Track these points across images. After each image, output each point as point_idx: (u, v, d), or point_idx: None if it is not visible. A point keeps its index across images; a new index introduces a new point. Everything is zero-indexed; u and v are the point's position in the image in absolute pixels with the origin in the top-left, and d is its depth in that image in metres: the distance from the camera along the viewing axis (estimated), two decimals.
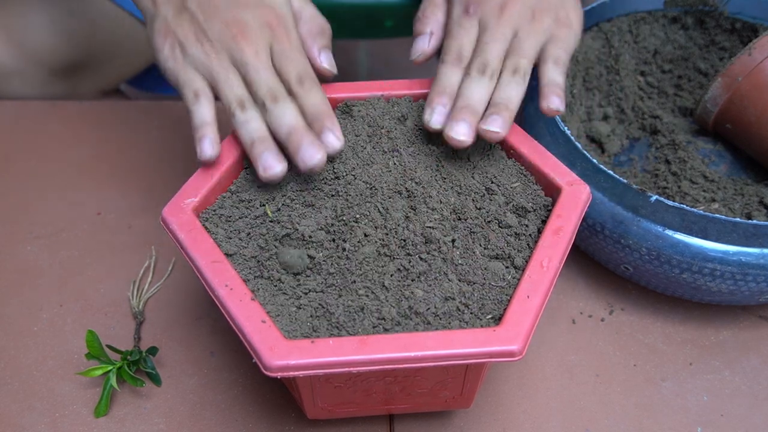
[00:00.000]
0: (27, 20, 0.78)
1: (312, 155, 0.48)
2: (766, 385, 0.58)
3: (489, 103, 0.52)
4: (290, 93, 0.51)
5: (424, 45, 0.57)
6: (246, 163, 0.53)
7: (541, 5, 0.55)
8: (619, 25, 0.72)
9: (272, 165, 0.49)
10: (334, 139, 0.50)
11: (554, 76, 0.53)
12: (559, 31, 0.55)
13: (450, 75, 0.53)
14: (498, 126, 0.50)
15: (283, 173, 0.49)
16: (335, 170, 0.51)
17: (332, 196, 0.49)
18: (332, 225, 0.48)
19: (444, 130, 0.51)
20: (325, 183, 0.50)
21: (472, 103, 0.51)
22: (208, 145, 0.50)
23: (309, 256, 0.47)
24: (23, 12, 0.78)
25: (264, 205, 0.50)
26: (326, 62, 0.55)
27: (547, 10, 0.55)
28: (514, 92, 0.52)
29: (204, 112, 0.51)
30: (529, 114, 0.63)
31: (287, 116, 0.50)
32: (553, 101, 0.52)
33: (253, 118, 0.51)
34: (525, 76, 0.53)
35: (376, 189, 0.49)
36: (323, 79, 0.55)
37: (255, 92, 0.51)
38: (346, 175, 0.50)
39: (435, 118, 0.52)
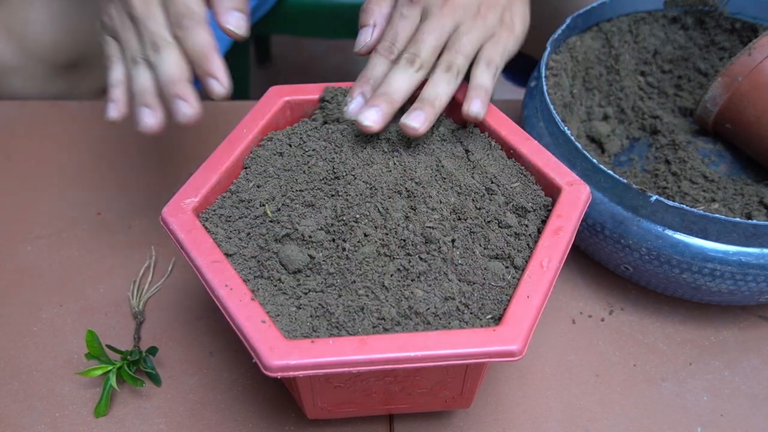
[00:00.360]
0: (28, 16, 0.78)
1: (178, 109, 0.49)
2: (766, 385, 0.58)
3: (417, 98, 0.52)
4: (175, 37, 0.50)
5: (366, 37, 0.55)
6: (246, 162, 0.53)
7: (488, 3, 0.54)
8: (619, 25, 0.72)
9: (141, 119, 0.50)
10: (217, 86, 0.49)
11: (483, 78, 0.52)
12: (500, 32, 0.54)
13: (378, 64, 0.53)
14: (418, 122, 0.50)
15: (158, 126, 0.50)
16: (335, 170, 0.51)
17: (332, 196, 0.49)
18: (332, 225, 0.48)
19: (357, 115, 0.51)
20: (325, 183, 0.50)
21: (390, 91, 0.51)
22: (111, 108, 0.52)
23: (309, 256, 0.47)
24: (24, 8, 0.78)
25: (264, 205, 0.50)
26: (233, 23, 0.50)
27: (493, 8, 0.54)
28: (442, 89, 0.51)
29: (110, 75, 0.52)
30: (529, 114, 0.63)
31: (164, 66, 0.49)
32: (474, 105, 0.51)
33: (140, 73, 0.50)
34: (458, 74, 0.52)
35: (376, 189, 0.49)
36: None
37: (144, 45, 0.51)
38: (346, 175, 0.50)
39: (351, 108, 0.52)
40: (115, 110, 0.51)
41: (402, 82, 0.51)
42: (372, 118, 0.50)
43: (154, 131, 0.50)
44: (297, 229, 0.48)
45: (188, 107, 0.48)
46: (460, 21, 0.53)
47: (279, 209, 0.50)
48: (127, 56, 0.51)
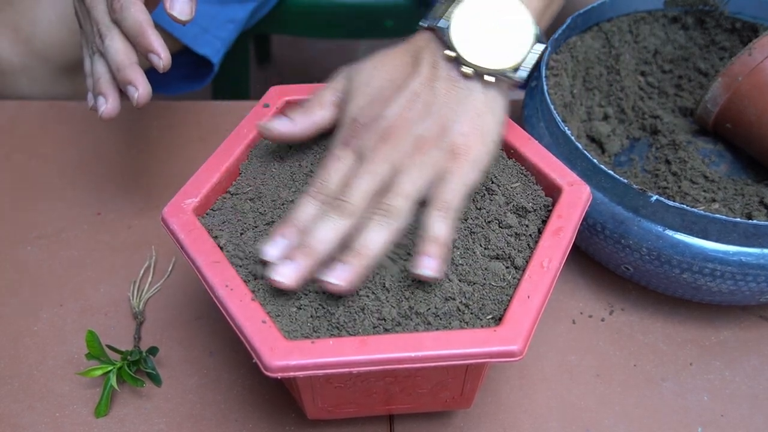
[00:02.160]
0: (34, 17, 0.78)
1: (130, 94, 0.51)
2: (766, 386, 0.58)
3: (346, 246, 0.45)
4: (114, 22, 0.52)
5: (277, 123, 0.51)
6: (243, 166, 0.53)
7: (432, 134, 0.47)
8: (619, 25, 0.72)
9: (97, 108, 0.53)
10: (156, 59, 0.51)
11: (435, 228, 0.45)
12: (452, 165, 0.47)
13: (305, 207, 0.46)
14: (337, 277, 0.43)
15: (112, 112, 0.52)
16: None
17: None
18: None
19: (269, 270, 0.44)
20: None
21: (312, 243, 0.44)
22: (88, 98, 0.55)
23: None
24: (31, 8, 0.78)
25: (259, 209, 0.50)
26: (177, 9, 0.50)
27: (436, 140, 0.47)
28: (376, 236, 0.44)
29: (84, 66, 0.56)
30: (529, 114, 0.63)
31: (110, 53, 0.51)
32: (422, 264, 0.44)
33: (95, 62, 0.53)
34: (397, 217, 0.45)
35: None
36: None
37: (94, 35, 0.53)
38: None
39: (269, 250, 0.45)
40: (91, 99, 0.54)
41: (327, 233, 0.45)
42: (286, 274, 0.43)
43: (110, 117, 0.52)
44: None
45: (135, 91, 0.50)
46: (397, 162, 0.47)
47: (278, 209, 0.50)
48: (89, 47, 0.54)
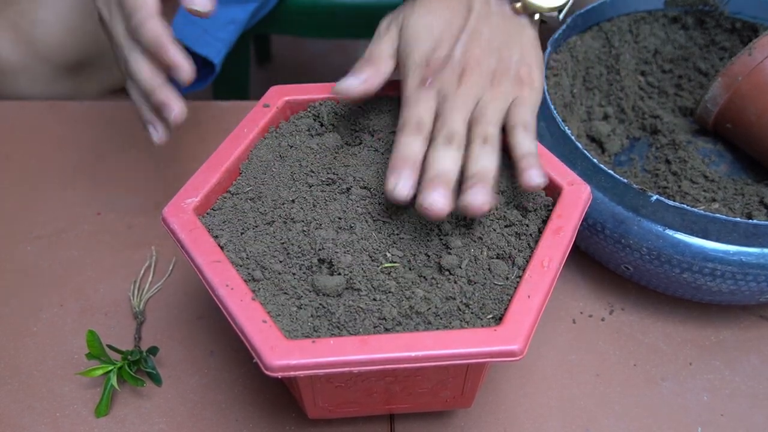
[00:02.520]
0: (35, 17, 0.78)
1: (167, 115, 0.50)
2: (766, 385, 0.58)
3: (463, 176, 0.47)
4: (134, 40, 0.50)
5: (352, 83, 0.50)
6: (243, 165, 0.53)
7: (501, 67, 0.52)
8: (619, 24, 0.72)
9: (152, 136, 0.52)
10: (182, 72, 0.49)
11: (527, 144, 0.49)
12: (522, 92, 0.52)
13: (411, 143, 0.47)
14: (482, 197, 0.44)
15: (164, 138, 0.52)
16: (329, 174, 0.51)
17: (334, 200, 0.49)
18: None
19: (416, 201, 0.45)
20: (326, 184, 0.50)
21: (443, 172, 0.45)
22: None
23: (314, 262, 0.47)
24: (32, 9, 0.78)
25: (260, 208, 0.50)
26: (197, 3, 0.49)
27: (505, 71, 0.52)
28: (488, 162, 0.47)
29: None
30: None
31: (137, 77, 0.50)
32: (534, 176, 0.47)
33: (130, 86, 0.52)
34: (495, 143, 0.48)
35: (374, 195, 0.49)
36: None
37: (119, 59, 0.52)
38: (346, 177, 0.50)
39: (401, 185, 0.45)
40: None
41: (450, 163, 0.46)
42: (439, 201, 0.44)
43: (164, 142, 0.52)
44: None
45: (171, 111, 0.50)
46: (479, 94, 0.50)
47: (279, 208, 0.50)
48: (121, 70, 0.53)
